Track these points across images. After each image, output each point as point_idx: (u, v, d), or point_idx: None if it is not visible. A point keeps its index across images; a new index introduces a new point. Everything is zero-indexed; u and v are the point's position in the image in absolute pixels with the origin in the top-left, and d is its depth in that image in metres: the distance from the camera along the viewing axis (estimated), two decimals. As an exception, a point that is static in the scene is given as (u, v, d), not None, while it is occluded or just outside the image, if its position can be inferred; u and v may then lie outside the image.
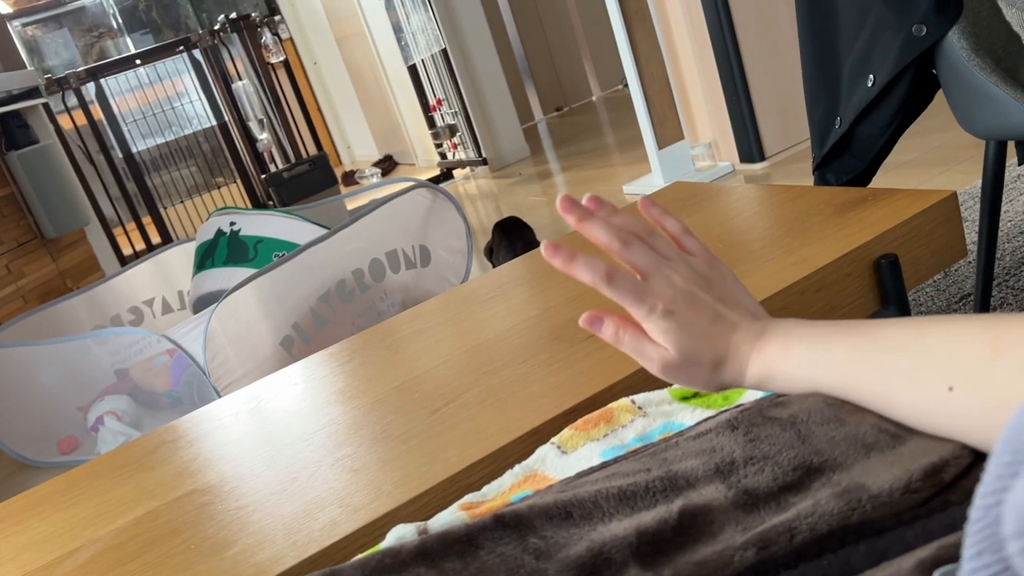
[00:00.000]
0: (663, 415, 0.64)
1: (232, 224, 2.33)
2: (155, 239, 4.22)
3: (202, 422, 1.05)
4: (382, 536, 0.56)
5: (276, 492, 0.79)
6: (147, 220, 4.23)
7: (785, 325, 0.54)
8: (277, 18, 5.12)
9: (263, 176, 4.16)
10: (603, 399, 0.77)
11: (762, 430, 0.49)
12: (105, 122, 4.11)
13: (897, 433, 0.45)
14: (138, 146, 4.27)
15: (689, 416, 0.62)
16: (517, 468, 0.63)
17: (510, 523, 0.45)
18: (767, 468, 0.45)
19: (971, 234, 1.79)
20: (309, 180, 3.82)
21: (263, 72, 4.21)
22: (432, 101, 4.66)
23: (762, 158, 2.93)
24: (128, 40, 5.85)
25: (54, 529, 0.88)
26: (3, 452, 2.16)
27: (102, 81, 4.05)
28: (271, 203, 4.04)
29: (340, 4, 5.26)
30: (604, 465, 0.54)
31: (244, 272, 2.11)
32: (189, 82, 4.29)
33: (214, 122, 4.36)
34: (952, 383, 0.41)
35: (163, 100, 4.37)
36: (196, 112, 4.42)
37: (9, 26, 5.28)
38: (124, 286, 2.65)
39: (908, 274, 0.95)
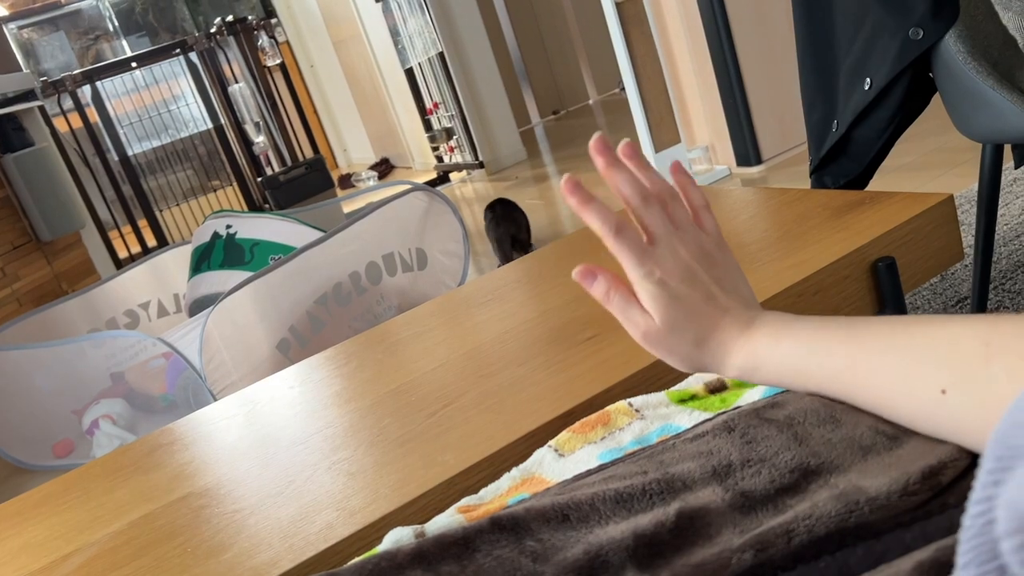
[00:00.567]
0: (660, 418, 0.64)
1: (228, 227, 2.33)
2: (151, 242, 4.21)
3: (198, 425, 1.05)
4: (379, 539, 0.55)
5: (272, 495, 0.79)
6: (143, 223, 4.22)
7: (775, 318, 0.54)
8: (274, 21, 5.12)
9: (259, 179, 4.15)
10: (600, 402, 0.77)
11: (759, 432, 0.49)
12: (101, 125, 4.11)
13: (894, 435, 0.45)
14: (134, 149, 4.27)
15: (686, 419, 0.62)
16: (514, 471, 0.63)
17: (507, 526, 0.45)
18: (764, 470, 0.45)
19: (968, 237, 1.79)
20: (305, 183, 3.82)
21: (259, 75, 4.20)
22: (429, 104, 4.66)
23: (759, 161, 2.93)
24: (124, 43, 5.85)
25: (49, 533, 0.88)
26: (-2, 456, 2.15)
27: (98, 84, 4.05)
28: (267, 206, 4.04)
29: (337, 7, 5.26)
30: (601, 468, 0.54)
31: (240, 275, 2.10)
32: (185, 85, 4.29)
33: (210, 125, 4.36)
34: (945, 386, 0.41)
35: (159, 103, 4.36)
36: (192, 115, 4.41)
37: (5, 29, 5.28)
38: (120, 289, 2.64)
39: (905, 277, 0.95)
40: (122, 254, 4.02)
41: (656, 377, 0.81)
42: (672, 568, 0.41)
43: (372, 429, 0.86)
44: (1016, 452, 0.27)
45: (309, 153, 4.48)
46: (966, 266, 1.69)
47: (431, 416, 0.85)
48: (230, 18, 4.16)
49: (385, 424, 0.86)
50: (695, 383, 0.67)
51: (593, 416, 0.66)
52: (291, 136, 4.36)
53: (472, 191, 4.30)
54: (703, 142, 3.08)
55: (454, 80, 4.36)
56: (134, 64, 4.14)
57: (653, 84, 2.95)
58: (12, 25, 5.43)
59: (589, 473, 0.53)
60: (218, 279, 2.24)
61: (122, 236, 4.15)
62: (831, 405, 0.49)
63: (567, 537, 0.44)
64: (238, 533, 0.74)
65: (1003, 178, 2.01)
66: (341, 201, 3.25)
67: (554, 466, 0.62)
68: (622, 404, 0.67)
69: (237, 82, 4.24)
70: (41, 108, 3.49)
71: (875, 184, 1.41)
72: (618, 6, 2.81)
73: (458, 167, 4.64)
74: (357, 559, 0.52)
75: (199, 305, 2.25)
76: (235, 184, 4.47)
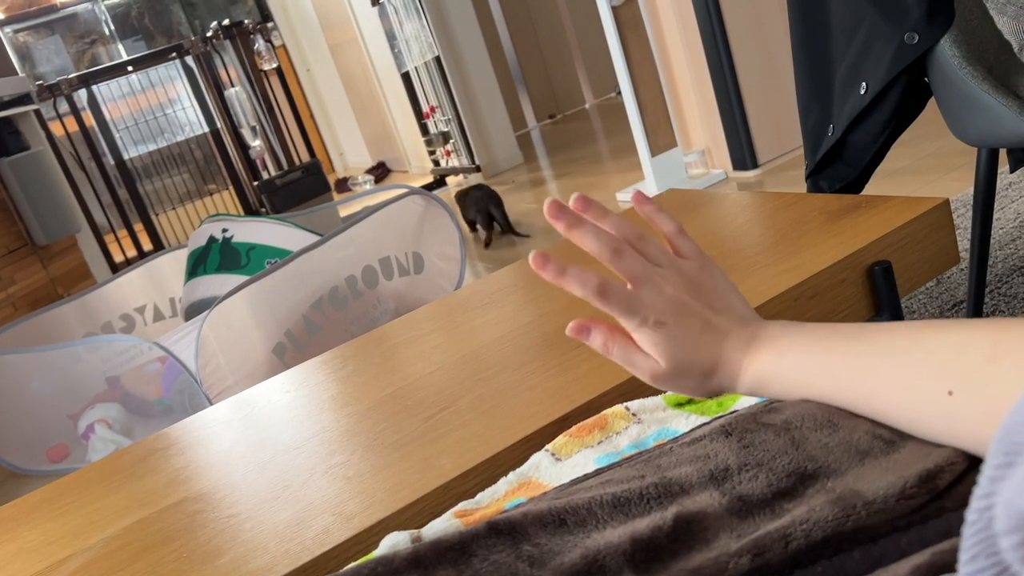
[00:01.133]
0: (657, 422, 0.64)
1: (224, 231, 2.32)
2: (147, 246, 4.20)
3: (194, 430, 1.04)
4: (375, 544, 0.55)
5: (268, 500, 0.78)
6: (139, 227, 4.22)
7: (776, 329, 0.54)
8: (270, 25, 5.12)
9: (255, 183, 4.15)
10: (597, 406, 0.77)
11: (756, 436, 0.49)
12: (97, 129, 4.10)
13: (891, 439, 0.45)
14: (130, 153, 4.26)
15: (683, 423, 0.62)
16: (511, 475, 0.63)
17: (504, 530, 0.45)
18: (761, 474, 0.45)
19: (963, 241, 1.79)
20: (302, 187, 3.81)
21: (256, 79, 4.20)
22: (425, 108, 4.66)
23: (755, 165, 2.94)
24: (120, 47, 5.84)
25: (44, 538, 0.87)
26: (-7, 460, 2.14)
27: (94, 88, 4.04)
28: (264, 210, 4.03)
29: (333, 11, 5.27)
30: (598, 472, 0.54)
31: (236, 279, 2.10)
32: (181, 89, 4.29)
33: (206, 129, 4.35)
34: (951, 387, 0.41)
35: (155, 107, 4.36)
36: (188, 119, 4.41)
37: (0, 32, 5.27)
38: (115, 293, 2.63)
39: (901, 281, 0.95)
40: (118, 258, 4.02)
41: (653, 381, 0.81)
42: (669, 573, 0.41)
43: (368, 433, 0.86)
44: (1018, 449, 0.27)
45: (305, 157, 4.47)
46: (962, 270, 1.70)
47: (427, 420, 0.84)
48: (226, 22, 4.16)
49: (381, 428, 0.86)
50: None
51: (590, 420, 0.66)
52: (287, 140, 4.36)
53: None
54: (699, 146, 3.08)
55: (451, 84, 4.36)
56: (130, 68, 4.14)
57: (649, 88, 2.95)
58: (8, 29, 5.42)
59: (586, 477, 0.53)
60: (214, 283, 2.24)
61: (118, 240, 4.14)
62: (828, 409, 0.49)
63: (564, 542, 0.44)
64: (234, 538, 0.74)
65: (998, 182, 2.01)
66: (337, 205, 3.25)
67: (551, 470, 0.62)
68: (619, 408, 0.67)
69: (233, 86, 4.24)
70: (37, 112, 3.48)
71: (871, 188, 1.41)
72: (614, 10, 2.82)
73: (454, 171, 4.65)
74: (353, 564, 0.52)
75: (195, 309, 2.25)
76: (231, 188, 4.47)
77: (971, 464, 0.42)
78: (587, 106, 5.89)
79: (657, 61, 2.97)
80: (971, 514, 0.27)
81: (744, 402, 0.60)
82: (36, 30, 5.61)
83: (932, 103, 1.28)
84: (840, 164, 1.38)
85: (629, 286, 0.55)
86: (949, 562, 0.35)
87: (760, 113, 2.90)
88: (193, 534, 0.77)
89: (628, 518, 0.45)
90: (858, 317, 0.94)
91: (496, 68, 4.57)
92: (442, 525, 0.55)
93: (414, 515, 0.71)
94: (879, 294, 0.94)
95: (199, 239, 2.37)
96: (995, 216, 1.88)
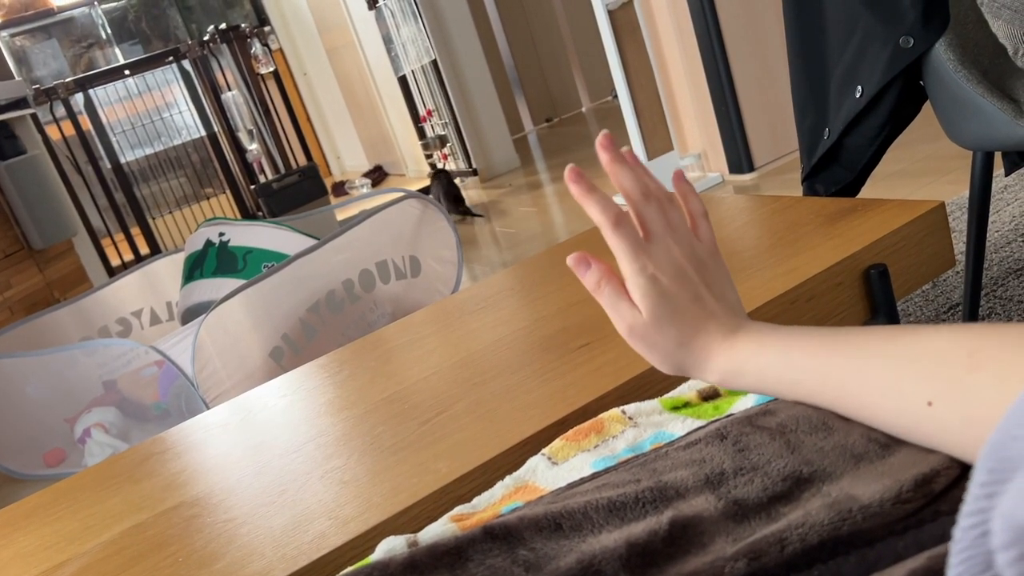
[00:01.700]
0: (653, 425, 0.64)
1: (221, 235, 2.32)
2: (143, 250, 4.20)
3: (190, 434, 1.04)
4: (372, 549, 0.55)
5: (265, 504, 0.78)
6: (135, 231, 4.21)
7: (761, 326, 0.55)
8: (267, 29, 5.13)
9: (252, 187, 4.15)
10: (594, 409, 0.77)
11: (751, 440, 0.49)
12: (93, 132, 4.10)
13: (887, 443, 0.45)
14: (127, 157, 4.26)
15: (679, 426, 0.62)
16: (508, 479, 0.63)
17: (500, 535, 0.45)
18: (757, 478, 0.45)
19: (959, 244, 1.80)
20: (299, 191, 3.81)
21: (253, 83, 4.20)
22: (422, 112, 4.67)
23: (751, 168, 2.94)
24: (117, 50, 5.84)
25: (40, 543, 0.87)
26: (-11, 465, 2.14)
27: (91, 91, 4.04)
28: (260, 214, 4.03)
29: (330, 15, 5.27)
30: (595, 476, 0.54)
31: (233, 283, 2.10)
32: (178, 92, 4.29)
33: (203, 133, 4.35)
34: (931, 398, 0.41)
35: (152, 111, 4.36)
36: (185, 123, 4.41)
37: (-3, 36, 5.27)
38: (112, 297, 2.63)
39: (897, 284, 0.95)
40: (115, 262, 4.01)
41: (649, 384, 0.81)
42: (665, 577, 0.41)
43: (365, 437, 0.86)
44: (1010, 464, 0.27)
45: (302, 160, 4.47)
46: (958, 273, 1.70)
47: (424, 424, 0.84)
48: (223, 26, 4.16)
49: (378, 432, 0.86)
50: (688, 390, 0.67)
51: (586, 424, 0.66)
52: (284, 143, 4.36)
53: (465, 198, 4.30)
54: (696, 149, 3.09)
55: (447, 87, 4.36)
56: (127, 72, 4.14)
57: (646, 92, 2.96)
58: (4, 33, 5.42)
59: (582, 481, 0.53)
60: (211, 287, 2.24)
61: (115, 244, 4.13)
62: (823, 413, 0.49)
63: (560, 546, 0.44)
64: (230, 543, 0.74)
65: (994, 185, 2.02)
66: (334, 208, 3.25)
67: (547, 474, 0.62)
68: (615, 412, 0.67)
69: (230, 89, 4.24)
70: (33, 116, 3.48)
71: (867, 191, 1.41)
72: (611, 14, 2.82)
73: (452, 175, 4.65)
74: (349, 569, 0.52)
75: (192, 313, 2.25)
76: (228, 192, 4.46)
77: (966, 469, 0.42)
78: (584, 110, 5.90)
79: (653, 65, 2.98)
80: (958, 532, 0.27)
81: (740, 405, 0.60)
82: (33, 34, 5.60)
83: (928, 106, 1.29)
84: (836, 167, 1.38)
85: (642, 235, 0.56)
86: (944, 567, 0.35)
87: (756, 116, 2.90)
88: (189, 539, 0.77)
89: (624, 522, 0.45)
90: (854, 320, 0.94)
91: (493, 72, 4.57)
92: (438, 529, 0.55)
93: (410, 519, 0.71)
94: (875, 297, 0.94)
95: (196, 243, 2.37)
96: (991, 219, 1.88)
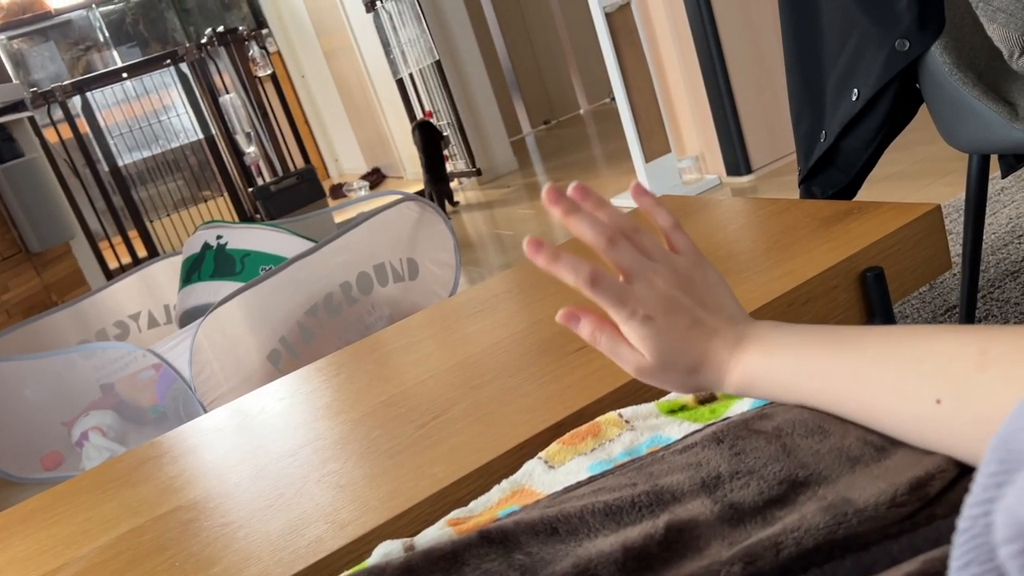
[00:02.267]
0: (650, 429, 0.64)
1: (219, 238, 2.32)
2: (141, 253, 4.19)
3: (187, 437, 1.04)
4: (368, 553, 0.55)
5: (262, 508, 0.78)
6: (133, 234, 4.21)
7: (765, 330, 0.54)
8: (265, 31, 5.13)
9: (250, 189, 4.15)
10: (590, 413, 0.77)
11: (747, 443, 0.49)
12: (91, 135, 4.10)
13: (882, 446, 0.46)
14: (124, 159, 4.26)
15: (676, 430, 0.62)
16: (504, 483, 0.63)
17: (496, 539, 0.45)
18: (753, 482, 0.45)
19: (955, 246, 1.80)
20: (296, 193, 3.81)
21: (250, 85, 4.20)
22: (421, 114, 4.67)
23: (748, 171, 2.95)
24: (115, 53, 5.84)
25: (37, 547, 0.87)
26: (-14, 468, 2.13)
27: (88, 94, 4.04)
28: (258, 216, 4.03)
29: (328, 18, 5.27)
30: (591, 480, 0.54)
31: (231, 286, 2.10)
32: (176, 95, 4.28)
33: (201, 135, 4.35)
34: (940, 396, 0.41)
35: (150, 113, 4.36)
36: (183, 125, 4.41)
37: (-5, 39, 5.27)
38: (110, 300, 2.63)
39: (894, 286, 0.95)
40: (112, 265, 4.01)
41: (646, 388, 0.81)
42: (661, 581, 0.41)
43: (362, 441, 0.86)
44: (1018, 456, 0.27)
45: (300, 163, 4.47)
46: (954, 275, 1.70)
47: (421, 428, 0.84)
48: (221, 28, 4.16)
49: (375, 436, 0.86)
50: (684, 394, 0.67)
51: (583, 427, 0.66)
52: (282, 146, 4.36)
53: (463, 200, 4.30)
54: (693, 152, 3.09)
55: (451, 89, 4.36)
56: (124, 75, 4.14)
57: (643, 94, 2.96)
58: (2, 35, 5.42)
59: (579, 485, 0.53)
60: (208, 290, 2.24)
61: (112, 247, 4.13)
62: (819, 416, 0.49)
63: (556, 551, 0.44)
64: (227, 547, 0.74)
65: (990, 187, 2.02)
66: (332, 211, 3.25)
67: (544, 478, 0.62)
68: (612, 415, 0.67)
69: (228, 92, 4.24)
70: (31, 119, 3.47)
71: (863, 194, 1.41)
72: (608, 16, 2.83)
73: (451, 176, 4.65)
74: (346, 573, 0.52)
75: (189, 316, 2.24)
76: (226, 194, 4.46)
77: (962, 472, 0.42)
78: (581, 112, 5.90)
79: (651, 67, 2.98)
80: (963, 521, 0.27)
81: (736, 408, 0.60)
82: (30, 37, 5.60)
83: (924, 109, 1.29)
84: (833, 170, 1.38)
85: (621, 278, 0.55)
86: (940, 570, 0.35)
87: (753, 119, 2.91)
88: (186, 543, 0.77)
89: (620, 526, 0.45)
90: (850, 322, 0.94)
91: (491, 74, 4.57)
92: (435, 533, 0.55)
93: (407, 523, 0.71)
94: (872, 300, 0.94)
95: (193, 246, 2.36)
96: (987, 221, 1.88)
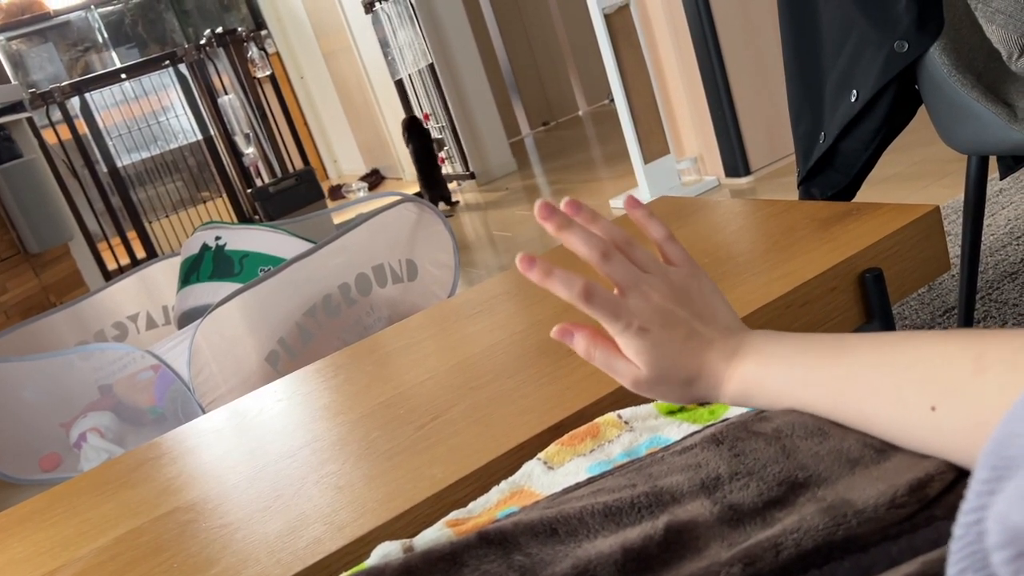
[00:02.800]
0: (649, 430, 0.64)
1: (217, 239, 2.32)
2: (140, 254, 4.19)
3: (186, 439, 1.04)
4: (367, 554, 0.55)
5: (260, 510, 0.78)
6: (132, 235, 4.21)
7: (760, 340, 0.54)
8: (263, 32, 5.13)
9: (249, 190, 4.14)
10: (589, 414, 0.77)
11: (747, 445, 0.49)
12: (90, 136, 4.09)
13: (882, 448, 0.45)
14: (123, 160, 4.25)
15: (675, 431, 0.62)
16: (503, 484, 0.63)
17: (495, 540, 0.45)
18: (752, 483, 0.45)
19: (954, 248, 1.80)
20: (295, 194, 3.81)
21: (249, 86, 4.20)
22: (419, 116, 4.67)
23: (747, 172, 2.95)
24: (113, 54, 5.84)
25: (34, 548, 0.87)
26: (-16, 470, 2.13)
27: (87, 95, 4.04)
28: (257, 217, 4.03)
29: (327, 19, 5.27)
30: (590, 481, 0.54)
31: (229, 287, 2.10)
32: (175, 96, 4.28)
33: (200, 136, 4.35)
34: (935, 402, 0.41)
35: (148, 114, 4.35)
36: (182, 126, 4.40)
37: (-7, 40, 5.26)
38: (108, 301, 2.63)
39: (892, 288, 0.95)
40: (111, 266, 4.01)
41: (645, 389, 0.81)
42: (660, 582, 0.40)
43: (360, 442, 0.86)
44: (1010, 463, 0.27)
45: (299, 164, 4.47)
46: (953, 276, 1.70)
47: (420, 429, 0.84)
48: (220, 30, 4.16)
49: (374, 437, 0.86)
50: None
51: (582, 428, 0.66)
52: (281, 147, 4.36)
53: (462, 202, 4.30)
54: (692, 153, 3.09)
55: (444, 91, 4.36)
56: (123, 76, 4.14)
57: (642, 95, 2.96)
58: (1, 36, 5.41)
59: (578, 486, 0.53)
60: (207, 291, 2.23)
61: (111, 248, 4.13)
62: (818, 418, 0.49)
63: (555, 552, 0.44)
64: (225, 548, 0.73)
65: (989, 189, 2.02)
66: (331, 212, 3.25)
67: (543, 479, 0.62)
68: (611, 416, 0.67)
69: (227, 93, 4.23)
70: (30, 120, 3.47)
71: (862, 195, 1.41)
72: (607, 18, 2.83)
73: (448, 178, 4.65)
74: (345, 574, 0.52)
75: (188, 317, 2.24)
76: (225, 195, 4.46)
77: (961, 473, 0.42)
78: (580, 113, 5.90)
79: (650, 68, 2.98)
80: (959, 528, 0.27)
81: (736, 410, 0.60)
82: (29, 38, 5.60)
83: (923, 110, 1.29)
84: (831, 171, 1.38)
85: (616, 291, 0.55)
86: (939, 572, 0.35)
87: (752, 120, 2.91)
88: (184, 544, 0.77)
89: (619, 527, 0.45)
90: (849, 324, 0.94)
91: (490, 75, 4.57)
92: (434, 535, 0.55)
93: (406, 524, 0.71)
94: (870, 301, 0.94)
95: (192, 247, 2.36)
96: (986, 222, 1.89)
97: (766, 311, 0.89)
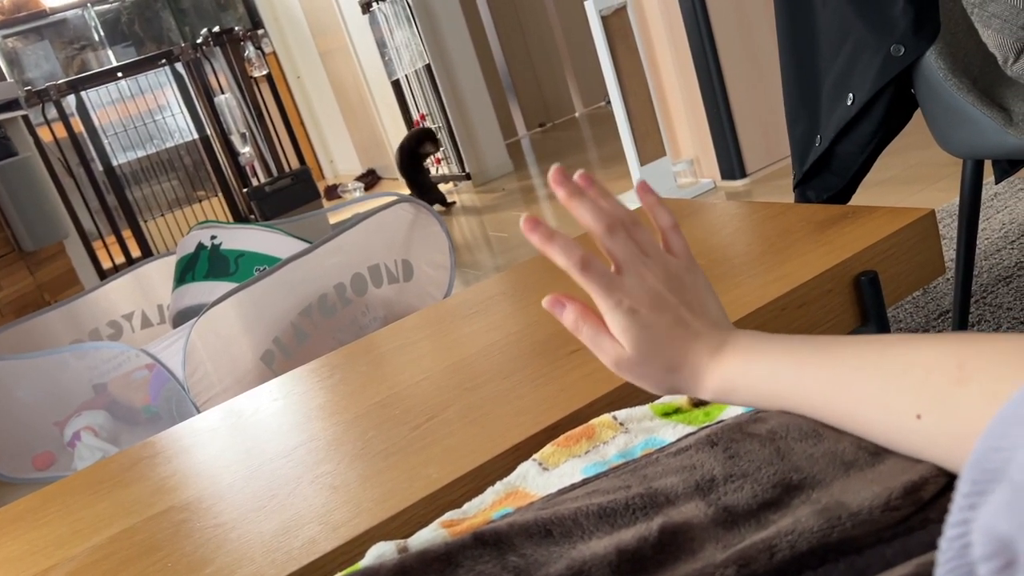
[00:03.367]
0: (644, 431, 0.64)
1: (213, 238, 2.32)
2: (135, 253, 4.18)
3: (180, 438, 1.04)
4: (362, 554, 0.55)
5: (255, 509, 0.78)
6: (127, 233, 4.20)
7: (746, 339, 0.54)
8: (260, 32, 5.11)
9: (245, 190, 4.14)
10: (585, 415, 0.77)
11: (741, 446, 0.49)
12: (85, 135, 4.08)
13: (876, 451, 0.46)
14: (119, 159, 4.24)
15: (670, 432, 0.62)
16: (499, 485, 0.63)
17: (490, 541, 0.45)
18: (747, 485, 0.45)
19: (949, 251, 1.80)
20: (291, 194, 3.81)
21: (246, 86, 4.20)
22: (415, 116, 4.67)
23: (743, 175, 2.95)
24: (110, 52, 5.83)
25: (28, 547, 0.87)
26: (-23, 468, 2.12)
27: (83, 93, 4.03)
28: (253, 217, 4.03)
29: (324, 19, 5.27)
30: (585, 482, 0.54)
31: (225, 286, 2.09)
32: (171, 95, 4.27)
33: (196, 135, 4.34)
34: (920, 410, 0.41)
35: (144, 113, 4.34)
36: (178, 125, 4.40)
37: (-11, 38, 5.25)
38: (103, 300, 2.62)
39: (888, 291, 0.95)
40: (106, 264, 4.00)
41: (640, 391, 0.81)
42: (655, 583, 0.41)
43: (356, 442, 0.86)
44: (991, 476, 0.27)
45: (295, 164, 4.47)
46: (948, 280, 1.71)
47: (415, 429, 0.84)
48: (216, 28, 4.15)
49: (369, 437, 0.86)
50: (679, 397, 0.67)
51: (577, 429, 0.66)
52: (277, 147, 4.35)
53: (458, 202, 4.30)
54: (688, 155, 3.10)
55: (441, 92, 4.36)
56: (119, 74, 4.13)
57: (639, 97, 2.96)
58: (-4, 34, 5.40)
59: (573, 487, 0.53)
60: (202, 290, 2.23)
61: (106, 246, 4.12)
62: (813, 420, 0.49)
63: (550, 553, 0.44)
64: (219, 548, 0.73)
65: (984, 193, 2.03)
66: (327, 212, 3.25)
67: (538, 480, 0.62)
68: (606, 417, 0.67)
69: (223, 92, 4.23)
70: (25, 118, 3.47)
71: (858, 198, 1.42)
72: (604, 20, 2.83)
73: (444, 179, 4.65)
74: (339, 574, 0.52)
75: (183, 316, 2.24)
76: (220, 195, 4.45)
77: (955, 476, 0.42)
78: (577, 115, 5.91)
79: (646, 71, 2.98)
80: (944, 542, 0.27)
81: (730, 412, 0.61)
82: (25, 35, 5.59)
83: (919, 114, 1.29)
84: (827, 174, 1.39)
85: (613, 268, 0.55)
86: (932, 574, 0.35)
87: (748, 123, 2.91)
88: (179, 544, 0.76)
89: (614, 529, 0.45)
90: (844, 327, 0.95)
91: (486, 77, 4.57)
92: (429, 535, 0.55)
93: (401, 525, 0.71)
94: (866, 304, 0.95)
95: (187, 246, 2.36)
96: (980, 226, 1.89)
97: (762, 313, 0.89)
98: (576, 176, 0.57)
